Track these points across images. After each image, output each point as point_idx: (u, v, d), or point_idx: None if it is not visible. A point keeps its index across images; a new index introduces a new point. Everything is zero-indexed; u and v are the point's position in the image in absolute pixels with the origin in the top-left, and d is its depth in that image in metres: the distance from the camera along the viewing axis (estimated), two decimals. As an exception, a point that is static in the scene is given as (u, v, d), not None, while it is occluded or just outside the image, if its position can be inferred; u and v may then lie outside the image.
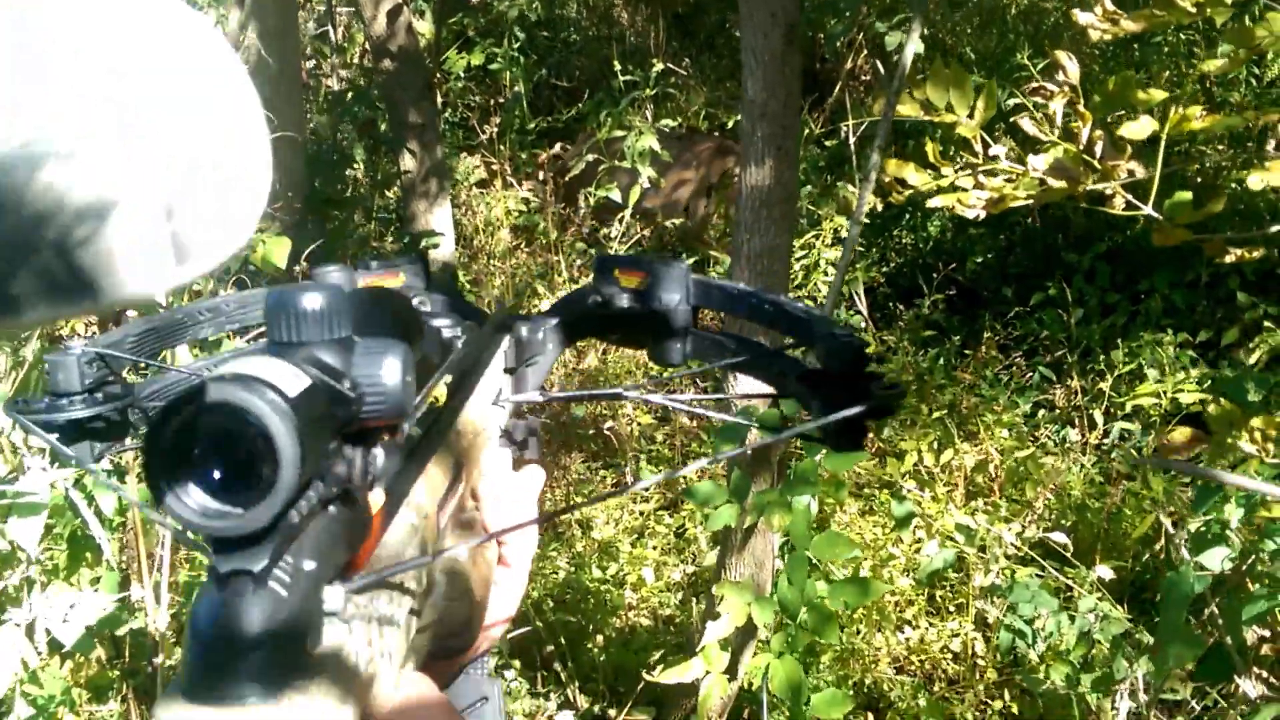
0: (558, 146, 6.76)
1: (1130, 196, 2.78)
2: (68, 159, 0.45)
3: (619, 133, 5.73)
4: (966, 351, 5.57)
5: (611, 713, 3.49)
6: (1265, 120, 2.99)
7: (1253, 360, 5.54)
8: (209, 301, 1.20)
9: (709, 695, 2.70)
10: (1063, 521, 4.42)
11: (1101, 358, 5.41)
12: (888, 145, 2.82)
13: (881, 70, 6.92)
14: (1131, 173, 2.59)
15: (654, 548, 4.49)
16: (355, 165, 5.26)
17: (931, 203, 3.12)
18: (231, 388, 0.52)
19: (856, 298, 6.13)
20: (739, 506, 2.75)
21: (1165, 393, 4.65)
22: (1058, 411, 5.22)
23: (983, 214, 2.99)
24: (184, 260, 0.51)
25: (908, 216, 6.90)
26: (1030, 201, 2.93)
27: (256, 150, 0.56)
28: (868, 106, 6.54)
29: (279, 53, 3.83)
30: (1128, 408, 4.89)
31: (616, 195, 5.83)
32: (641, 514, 4.69)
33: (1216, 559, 1.94)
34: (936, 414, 4.82)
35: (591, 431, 5.18)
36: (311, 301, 0.63)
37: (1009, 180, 3.04)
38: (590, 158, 5.92)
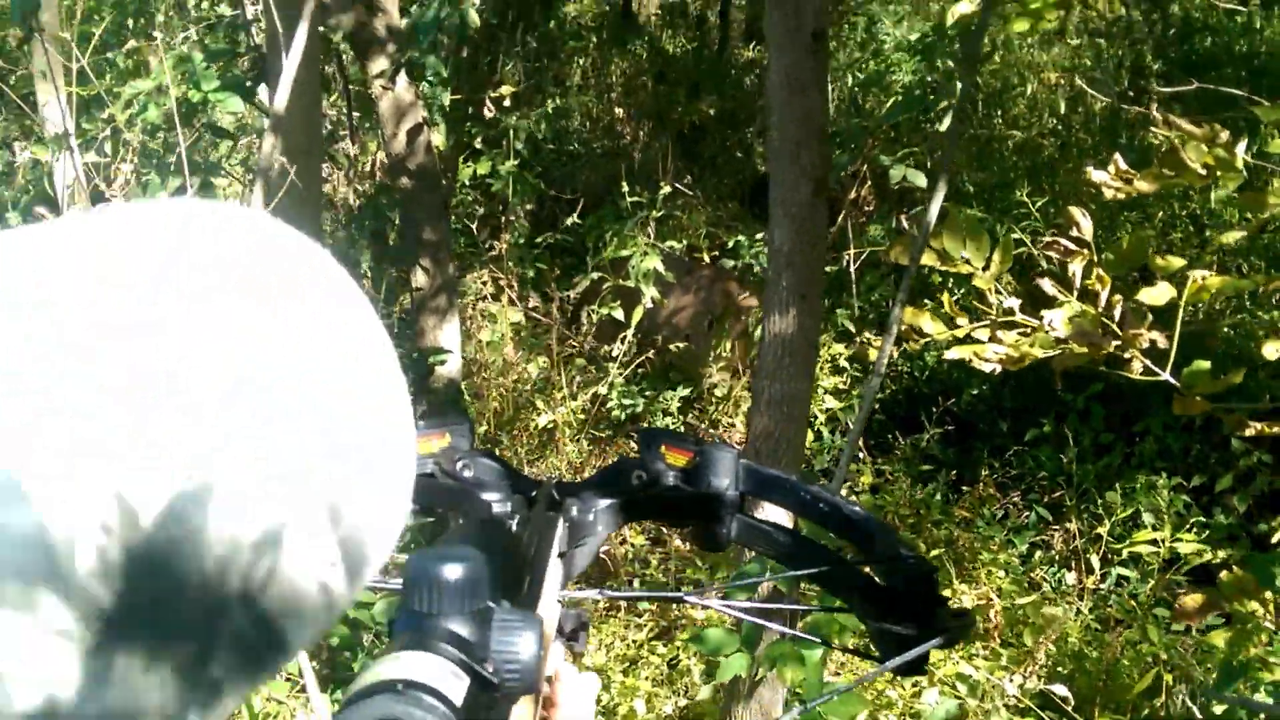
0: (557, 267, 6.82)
1: (1149, 362, 2.81)
2: (234, 491, 0.41)
3: (623, 252, 5.78)
4: (963, 487, 5.56)
5: None
6: (1275, 285, 3.03)
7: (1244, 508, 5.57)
8: None
9: None
10: (1060, 670, 4.38)
11: (1099, 500, 5.41)
12: (910, 297, 2.85)
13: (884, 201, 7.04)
14: (1154, 342, 2.62)
15: (646, 678, 4.42)
16: (364, 278, 5.29)
17: (949, 354, 3.14)
18: (400, 705, 0.51)
19: (851, 426, 6.13)
20: (750, 656, 2.71)
21: (1164, 540, 4.64)
22: (1054, 553, 5.20)
23: (999, 368, 3.02)
24: (356, 575, 0.47)
25: (904, 344, 6.95)
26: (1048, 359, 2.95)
27: (403, 433, 0.51)
28: (869, 236, 6.64)
29: (303, 171, 3.87)
30: (1124, 554, 4.87)
31: (620, 314, 5.86)
32: (634, 643, 4.62)
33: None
34: (934, 552, 4.79)
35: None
36: (454, 572, 0.62)
37: (1024, 334, 3.07)
38: (594, 276, 5.96)
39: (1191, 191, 6.71)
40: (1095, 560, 4.93)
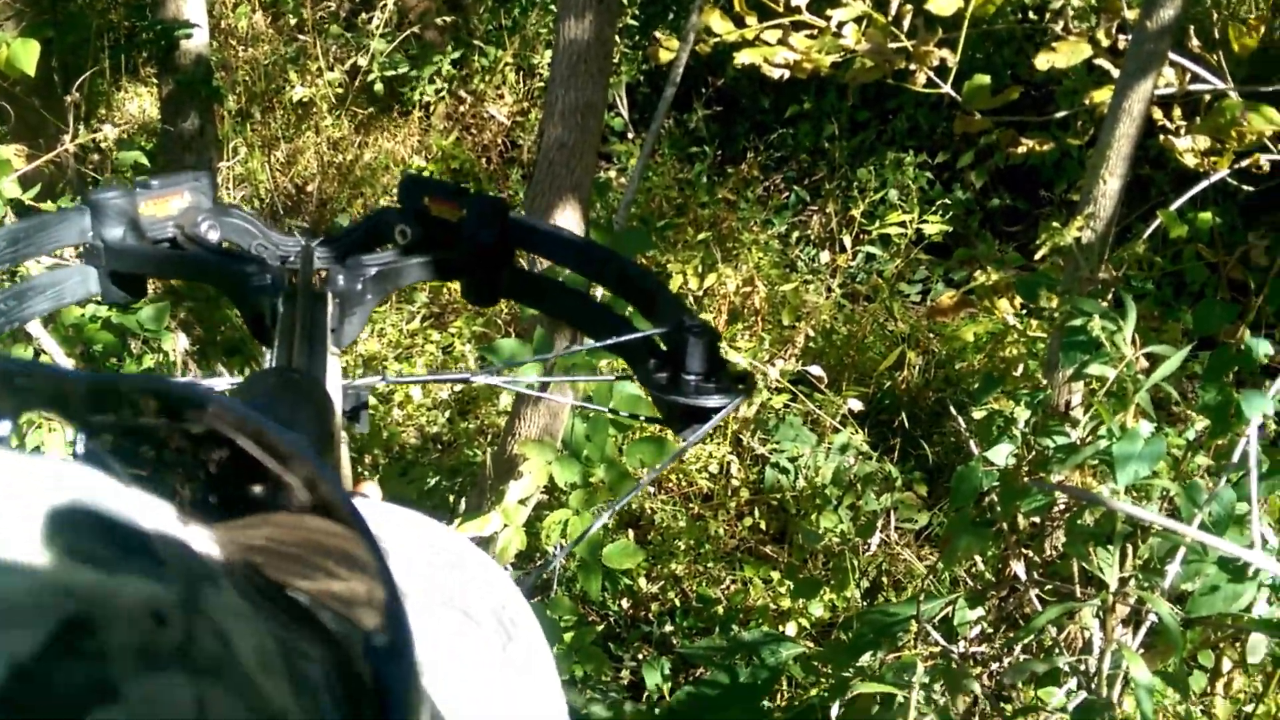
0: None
1: (935, 77, 2.86)
2: None
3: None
4: (727, 168, 5.66)
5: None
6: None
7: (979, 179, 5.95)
8: None
9: (506, 546, 2.77)
10: (812, 346, 4.69)
11: (852, 178, 5.64)
12: (706, 1, 2.76)
13: None
14: (943, 60, 2.66)
15: (421, 365, 4.46)
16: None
17: (739, 58, 3.11)
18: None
19: (619, 101, 6.06)
20: (542, 366, 2.76)
21: (911, 221, 4.92)
22: (811, 233, 5.44)
23: (787, 75, 3.01)
24: None
25: (672, 16, 6.80)
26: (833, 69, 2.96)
27: None
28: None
29: None
30: (874, 234, 5.15)
31: (377, -19, 5.46)
32: (408, 331, 4.62)
33: (1001, 454, 2.12)
34: (701, 236, 4.92)
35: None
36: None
37: (811, 37, 3.06)
38: (348, -66, 5.47)
39: None
40: (848, 240, 5.19)
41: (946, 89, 2.71)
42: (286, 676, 0.26)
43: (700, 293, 4.70)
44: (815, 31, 3.04)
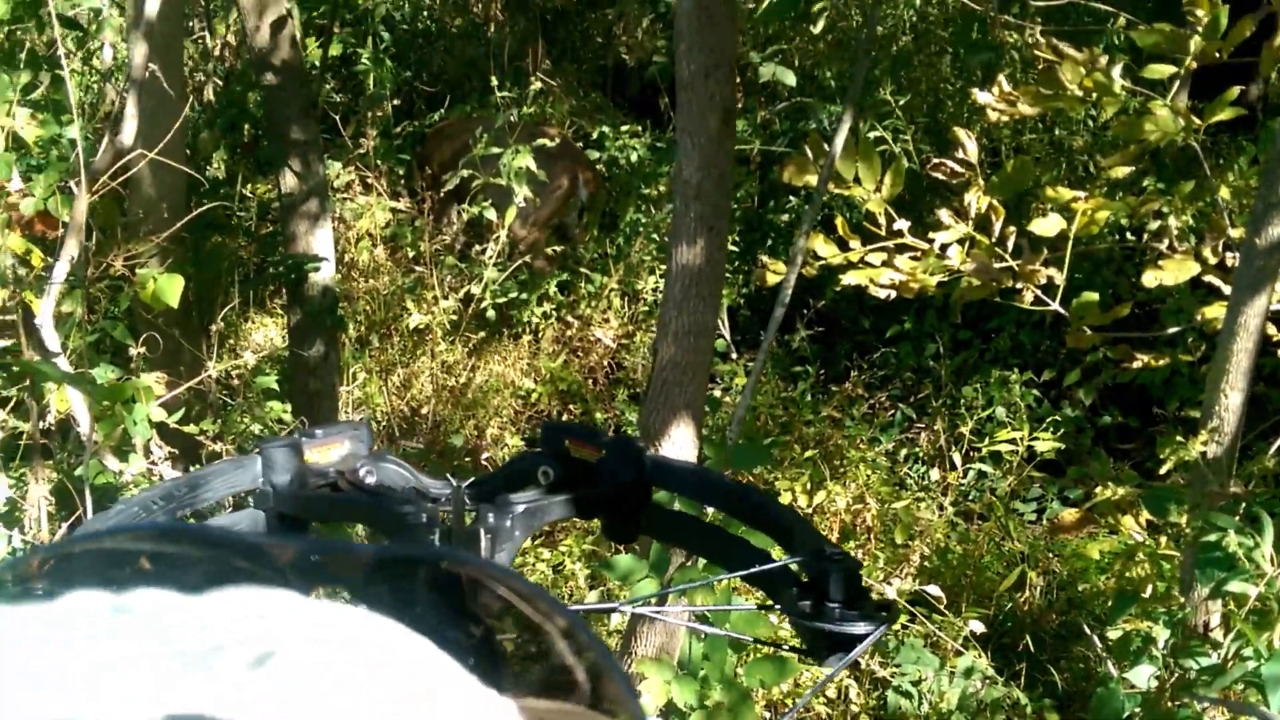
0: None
1: (1041, 294, 2.90)
2: None
3: (494, 149, 5.64)
4: (831, 386, 5.71)
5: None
6: (1147, 208, 3.16)
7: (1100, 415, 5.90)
8: (159, 490, 1.14)
9: (621, 772, 2.70)
10: (927, 565, 4.59)
11: (956, 395, 5.63)
12: (813, 225, 2.87)
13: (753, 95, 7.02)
14: (1050, 279, 2.71)
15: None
16: (237, 187, 5.04)
17: (844, 279, 3.19)
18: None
19: (722, 324, 6.20)
20: (659, 582, 2.75)
21: (1021, 439, 4.88)
22: (919, 450, 5.41)
23: (894, 295, 3.08)
24: None
25: (770, 241, 7.02)
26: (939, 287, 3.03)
27: None
28: (738, 133, 6.61)
29: (164, 67, 3.64)
30: (984, 452, 5.10)
31: (492, 214, 5.75)
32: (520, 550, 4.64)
33: (1143, 676, 2.04)
34: (808, 454, 4.93)
35: (466, 459, 5.11)
36: None
37: (914, 259, 3.13)
38: (465, 173, 5.81)
39: (1077, 122, 6.88)
40: (958, 457, 5.15)
41: (1055, 306, 2.74)
42: None
43: (810, 510, 4.67)
44: (919, 254, 3.12)
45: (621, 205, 6.31)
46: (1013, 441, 4.89)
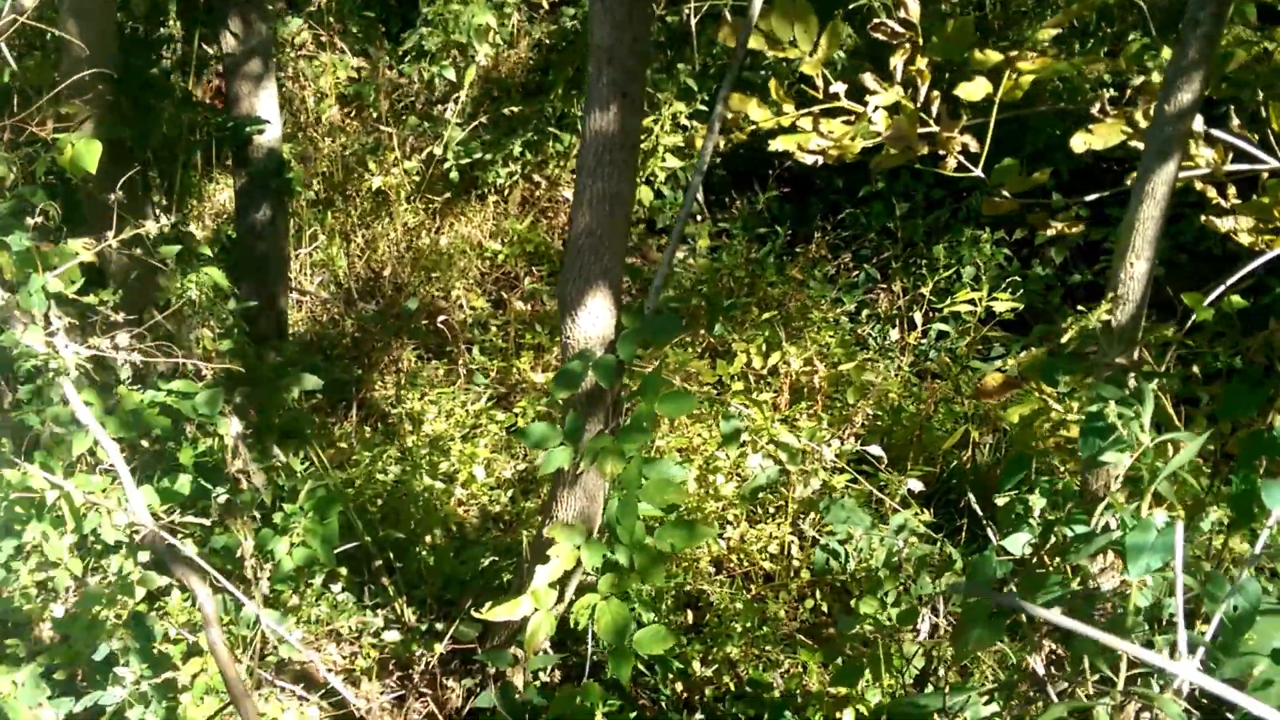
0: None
1: (962, 159, 2.85)
2: None
3: (453, 5, 5.50)
4: (798, 248, 5.67)
5: (439, 626, 3.55)
6: (1091, 71, 3.08)
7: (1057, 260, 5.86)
8: None
9: (536, 631, 2.78)
10: (879, 423, 4.63)
11: (924, 258, 5.59)
12: (731, 87, 2.80)
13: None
14: (965, 146, 2.65)
15: (485, 445, 4.52)
16: (174, 46, 4.91)
17: (773, 145, 3.14)
18: None
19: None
20: (573, 450, 2.79)
21: (980, 300, 4.86)
22: (880, 311, 5.40)
23: (820, 160, 3.03)
24: None
25: (730, 133, 6.86)
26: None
27: None
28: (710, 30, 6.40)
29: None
30: (945, 312, 5.09)
31: (452, 74, 5.63)
32: (474, 410, 4.69)
33: (1018, 544, 2.07)
34: (766, 315, 4.93)
35: (424, 322, 5.12)
36: None
37: (847, 123, 3.07)
38: (424, 30, 5.68)
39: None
40: (918, 317, 5.14)
41: (978, 172, 2.70)
42: None
43: (764, 372, 4.70)
44: (853, 117, 3.06)
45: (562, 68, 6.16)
46: (971, 302, 4.87)
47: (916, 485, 3.91)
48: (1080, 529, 2.05)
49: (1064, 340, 2.30)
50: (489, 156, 5.84)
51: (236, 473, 3.12)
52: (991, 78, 2.79)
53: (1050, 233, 2.74)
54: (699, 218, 6.01)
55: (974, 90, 2.73)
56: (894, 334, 5.21)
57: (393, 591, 3.62)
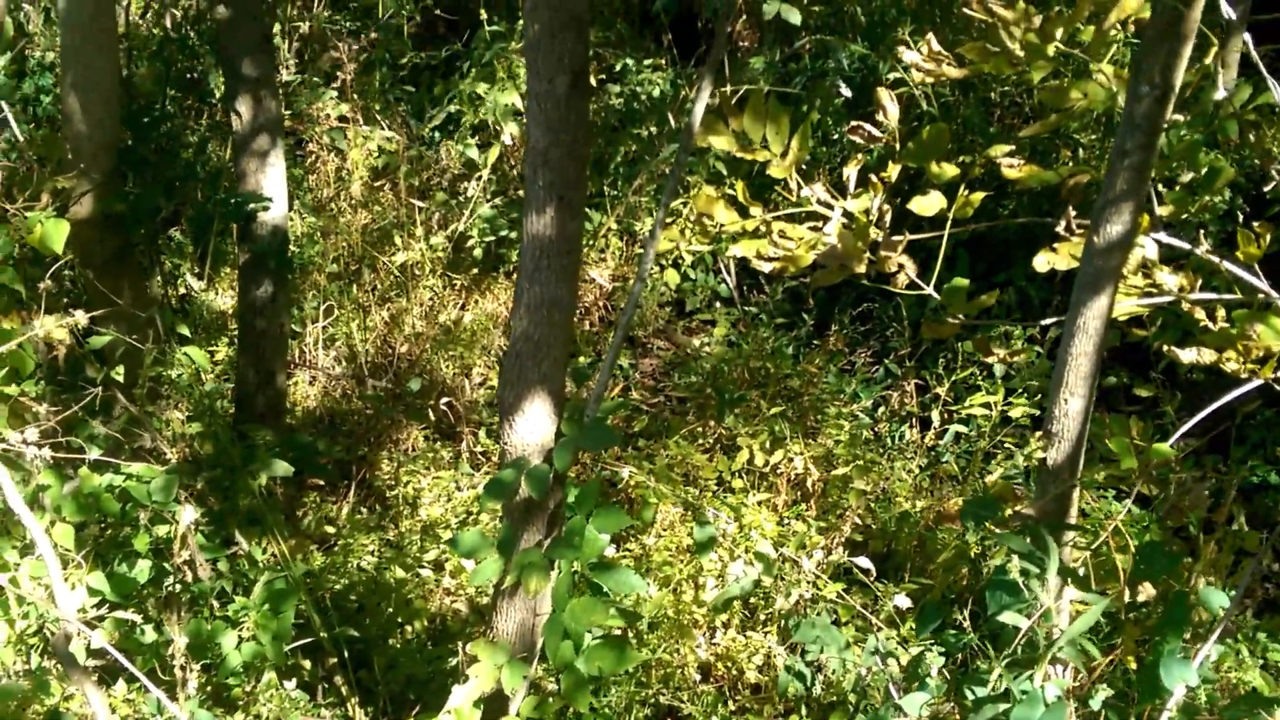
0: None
1: (914, 276, 2.74)
2: None
3: (480, 87, 5.54)
4: (815, 341, 5.53)
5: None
6: (1076, 180, 2.96)
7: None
8: None
9: (457, 751, 2.68)
10: (878, 528, 4.43)
11: (950, 351, 5.40)
12: (671, 199, 2.73)
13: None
14: (901, 266, 2.54)
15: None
16: (187, 123, 5.01)
17: (732, 250, 3.06)
18: None
19: (725, 270, 6.04)
20: (504, 562, 2.71)
21: (995, 404, 4.67)
22: (895, 409, 5.23)
23: (774, 269, 2.93)
24: None
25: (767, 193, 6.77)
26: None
27: None
28: (750, 70, 6.37)
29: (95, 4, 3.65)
30: (963, 413, 4.90)
31: (475, 154, 5.66)
32: (472, 496, 4.63)
33: (915, 704, 1.93)
34: (774, 410, 4.79)
35: (431, 403, 5.09)
36: None
37: (815, 229, 2.98)
38: (452, 108, 5.72)
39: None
40: (935, 416, 4.96)
41: (929, 290, 2.58)
42: None
43: (765, 469, 4.57)
44: (821, 223, 2.97)
45: (614, 145, 6.15)
46: (986, 405, 4.69)
47: (904, 602, 3.74)
48: (980, 690, 1.91)
49: (988, 480, 2.17)
50: (515, 234, 5.83)
51: (182, 564, 3.09)
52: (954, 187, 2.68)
53: (993, 360, 2.61)
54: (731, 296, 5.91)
55: (928, 205, 2.62)
56: (909, 433, 5.04)
57: (345, 691, 3.54)
